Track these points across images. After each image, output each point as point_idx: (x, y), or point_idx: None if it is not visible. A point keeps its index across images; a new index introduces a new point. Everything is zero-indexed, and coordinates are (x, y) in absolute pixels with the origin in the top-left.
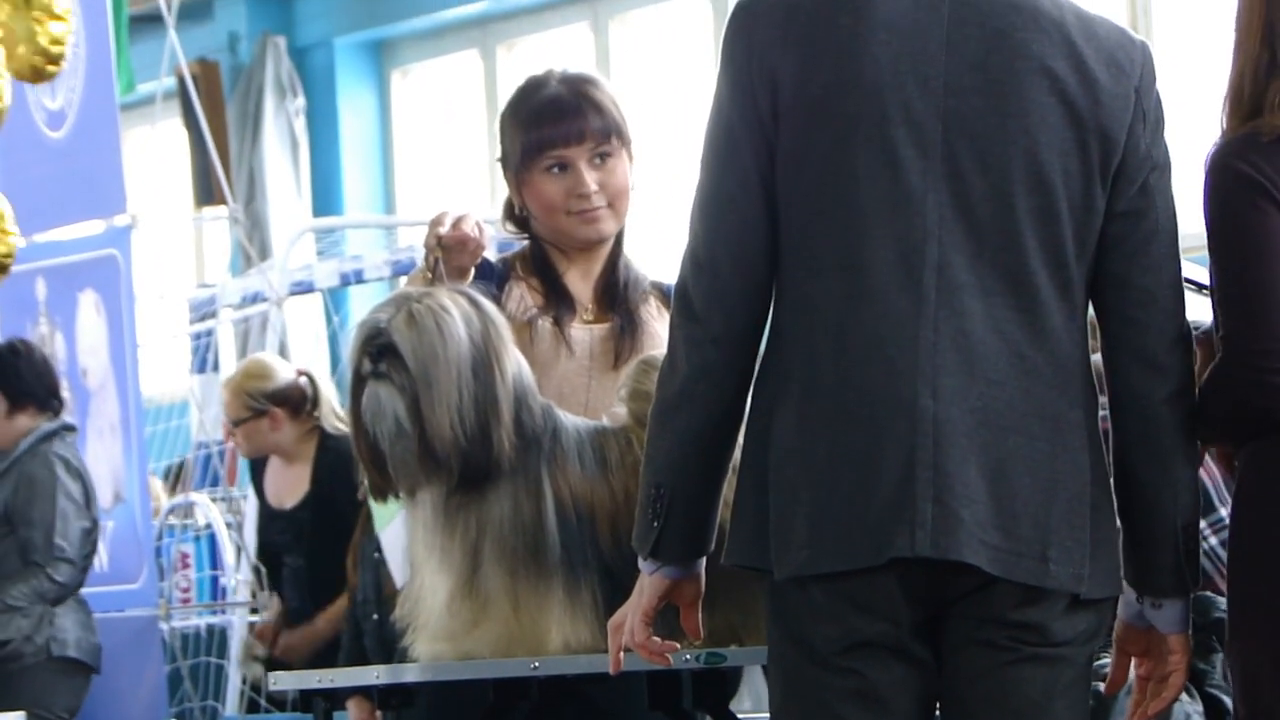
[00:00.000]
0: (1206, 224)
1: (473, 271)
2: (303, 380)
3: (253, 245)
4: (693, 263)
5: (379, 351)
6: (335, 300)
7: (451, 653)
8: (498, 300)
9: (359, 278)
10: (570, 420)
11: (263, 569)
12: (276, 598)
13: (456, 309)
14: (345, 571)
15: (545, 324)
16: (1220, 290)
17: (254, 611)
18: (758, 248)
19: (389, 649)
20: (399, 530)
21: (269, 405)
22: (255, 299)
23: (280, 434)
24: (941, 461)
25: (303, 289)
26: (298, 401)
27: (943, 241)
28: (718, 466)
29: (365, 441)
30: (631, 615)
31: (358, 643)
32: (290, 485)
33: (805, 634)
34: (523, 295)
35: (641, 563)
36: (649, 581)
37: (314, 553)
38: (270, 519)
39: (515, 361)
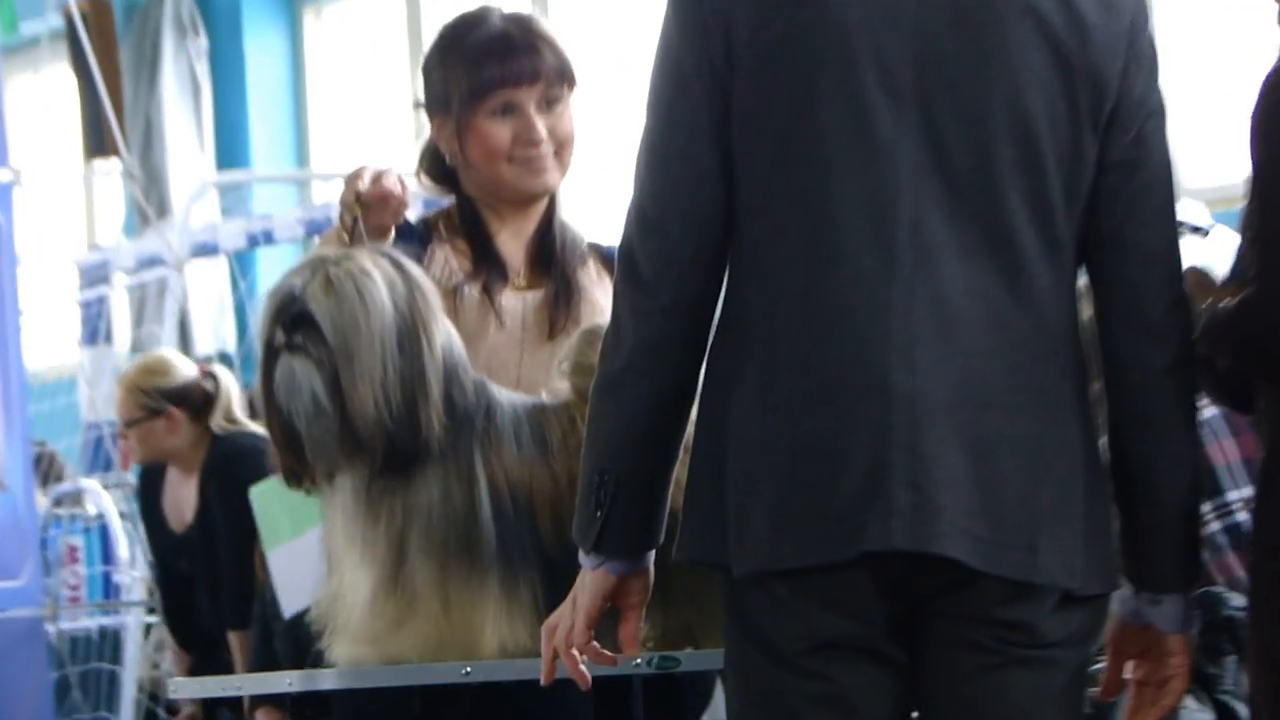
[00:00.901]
0: (1251, 154)
1: (393, 232)
2: (206, 380)
3: (149, 203)
4: (639, 221)
5: (293, 321)
6: (242, 264)
7: (374, 656)
8: (421, 264)
9: (268, 238)
10: (506, 396)
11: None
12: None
13: (379, 273)
14: (248, 584)
15: (472, 291)
16: (1261, 228)
17: (150, 611)
18: (712, 205)
19: (303, 652)
20: (289, 553)
21: (166, 405)
22: (152, 262)
23: (178, 437)
24: (918, 443)
25: (205, 251)
26: (199, 402)
27: (917, 197)
28: (668, 449)
29: (279, 421)
30: (569, 617)
31: (267, 645)
32: (191, 499)
33: (767, 634)
34: (447, 259)
35: (583, 557)
36: (591, 578)
37: (213, 573)
38: (175, 545)
39: (445, 332)
